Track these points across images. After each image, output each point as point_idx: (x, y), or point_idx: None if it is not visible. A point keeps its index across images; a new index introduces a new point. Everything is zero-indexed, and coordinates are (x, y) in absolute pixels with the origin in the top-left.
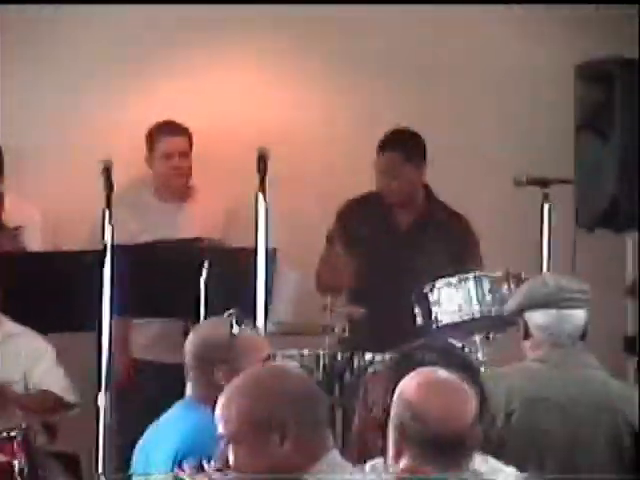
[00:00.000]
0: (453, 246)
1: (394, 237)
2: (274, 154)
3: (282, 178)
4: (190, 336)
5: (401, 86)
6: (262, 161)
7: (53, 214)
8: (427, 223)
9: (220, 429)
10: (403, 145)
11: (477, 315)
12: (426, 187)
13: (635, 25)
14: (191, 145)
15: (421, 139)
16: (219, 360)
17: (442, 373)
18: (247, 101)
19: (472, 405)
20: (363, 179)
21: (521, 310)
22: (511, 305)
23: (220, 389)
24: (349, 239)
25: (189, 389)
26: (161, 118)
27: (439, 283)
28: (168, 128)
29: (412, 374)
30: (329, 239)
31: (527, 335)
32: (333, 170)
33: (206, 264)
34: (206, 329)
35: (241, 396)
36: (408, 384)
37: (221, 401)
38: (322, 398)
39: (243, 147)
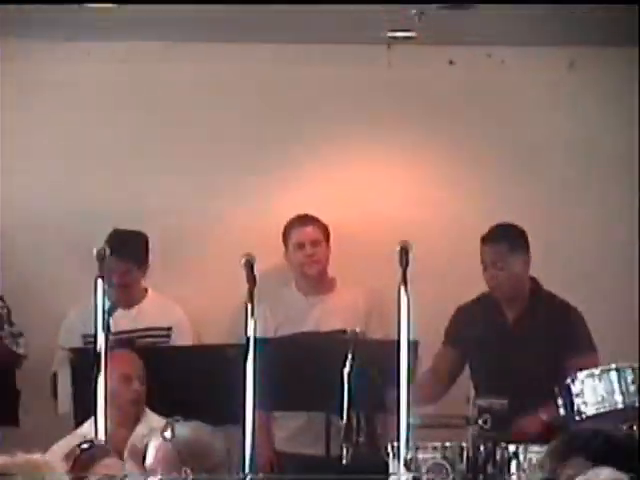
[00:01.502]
0: (562, 339)
1: (501, 334)
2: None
3: (417, 271)
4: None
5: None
6: (404, 254)
7: (194, 309)
8: (533, 317)
9: None
10: (507, 237)
11: (620, 406)
12: (533, 280)
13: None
14: (326, 236)
15: (525, 233)
16: None
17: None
18: (387, 195)
19: None
20: None
21: None
22: None
23: None
24: (460, 340)
25: None
26: (299, 213)
27: (581, 375)
28: (299, 220)
29: None
30: (444, 341)
31: None
32: (468, 264)
33: (349, 356)
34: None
35: None
36: None
37: None
38: None
39: (382, 241)
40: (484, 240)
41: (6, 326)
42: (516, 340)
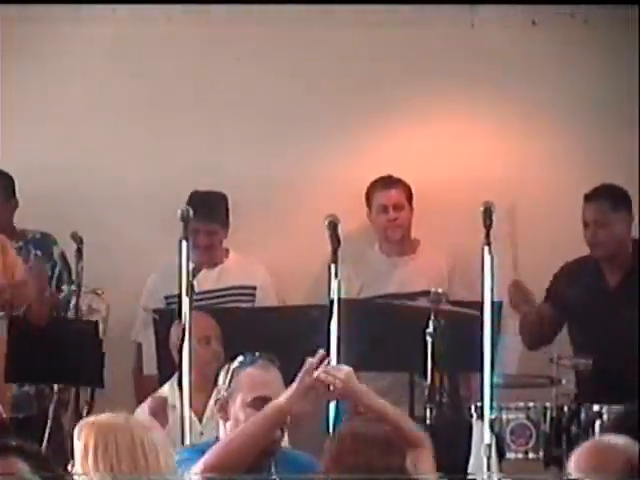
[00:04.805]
0: None
1: (603, 297)
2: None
3: (501, 231)
4: None
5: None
6: (487, 214)
7: (277, 269)
8: (636, 279)
9: None
10: (610, 195)
11: None
12: (635, 242)
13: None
14: (409, 198)
15: (627, 194)
16: None
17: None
18: (468, 154)
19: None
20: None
21: None
22: None
23: None
24: (559, 299)
25: None
26: (382, 173)
27: None
28: (382, 182)
29: None
30: (545, 297)
31: None
32: (556, 225)
33: (432, 317)
34: None
35: None
36: None
37: None
38: None
39: (465, 201)
40: (587, 198)
41: (64, 286)
42: (617, 305)
